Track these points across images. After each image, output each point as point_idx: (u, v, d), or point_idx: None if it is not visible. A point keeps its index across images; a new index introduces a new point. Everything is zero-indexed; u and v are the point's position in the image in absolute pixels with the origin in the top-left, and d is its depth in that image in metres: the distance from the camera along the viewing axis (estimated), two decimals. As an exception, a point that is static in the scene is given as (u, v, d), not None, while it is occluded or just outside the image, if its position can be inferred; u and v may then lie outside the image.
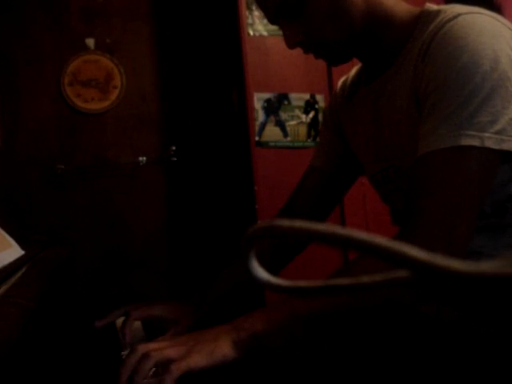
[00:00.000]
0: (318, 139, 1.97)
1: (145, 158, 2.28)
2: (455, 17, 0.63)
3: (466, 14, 0.63)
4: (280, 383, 0.66)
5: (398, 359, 0.70)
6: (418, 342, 0.71)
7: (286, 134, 1.95)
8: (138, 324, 0.85)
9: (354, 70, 0.92)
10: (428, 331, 0.70)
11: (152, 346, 0.60)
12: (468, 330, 0.62)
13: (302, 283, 0.20)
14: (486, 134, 0.59)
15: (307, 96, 1.98)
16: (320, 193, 0.94)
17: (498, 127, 0.59)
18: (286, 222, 0.19)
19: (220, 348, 0.59)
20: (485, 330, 0.58)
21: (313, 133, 1.98)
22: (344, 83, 0.93)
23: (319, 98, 1.98)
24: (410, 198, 0.64)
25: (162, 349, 0.58)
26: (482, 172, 0.61)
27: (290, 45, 0.73)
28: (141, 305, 0.84)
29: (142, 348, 0.59)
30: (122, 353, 0.73)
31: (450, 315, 0.66)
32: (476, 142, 0.59)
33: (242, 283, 0.90)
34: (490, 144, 0.59)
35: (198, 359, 0.57)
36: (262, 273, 0.21)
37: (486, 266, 0.15)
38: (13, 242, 0.82)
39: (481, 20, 0.63)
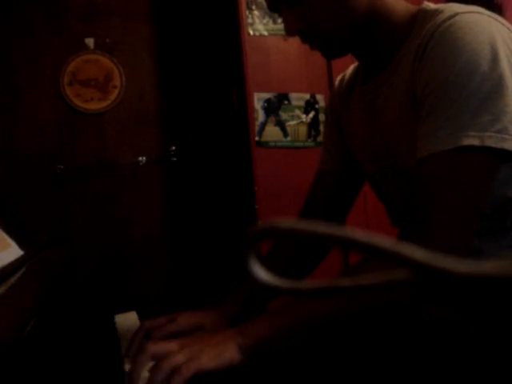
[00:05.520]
0: (318, 139, 1.97)
1: (145, 158, 2.28)
2: (452, 16, 0.63)
3: (463, 13, 0.63)
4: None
5: (399, 360, 0.70)
6: (419, 342, 0.71)
7: (286, 134, 1.95)
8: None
9: (350, 69, 0.91)
10: (428, 332, 0.70)
11: (160, 351, 0.61)
12: (468, 330, 0.62)
13: (303, 284, 0.20)
14: (487, 134, 0.58)
15: (307, 96, 1.97)
16: (334, 195, 0.93)
17: (499, 126, 0.58)
18: (286, 223, 0.19)
19: (227, 352, 0.60)
20: (485, 331, 0.58)
21: (313, 133, 1.97)
22: (341, 81, 0.92)
23: (319, 97, 1.98)
24: (412, 201, 0.63)
25: (170, 356, 0.60)
26: (483, 172, 0.60)
27: (290, 32, 0.72)
28: (159, 321, 0.78)
29: (153, 349, 0.61)
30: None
31: (450, 316, 0.66)
32: (476, 142, 0.58)
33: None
34: (490, 143, 0.58)
35: (207, 361, 0.59)
36: (262, 273, 0.21)
37: (486, 267, 0.15)
38: (12, 242, 0.82)
39: (478, 19, 0.62)
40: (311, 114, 1.97)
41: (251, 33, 1.92)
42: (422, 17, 0.69)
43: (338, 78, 0.94)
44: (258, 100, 1.92)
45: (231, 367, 0.60)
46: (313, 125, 1.97)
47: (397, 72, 0.71)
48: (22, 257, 0.79)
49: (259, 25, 1.93)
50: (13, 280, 0.63)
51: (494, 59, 0.59)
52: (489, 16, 0.64)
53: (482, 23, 0.62)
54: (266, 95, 1.93)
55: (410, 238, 0.62)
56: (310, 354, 0.66)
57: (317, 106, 1.98)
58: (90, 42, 2.27)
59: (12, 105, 2.19)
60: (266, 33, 1.93)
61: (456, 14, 0.63)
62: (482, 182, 0.61)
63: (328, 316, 0.62)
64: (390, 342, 0.72)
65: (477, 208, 0.61)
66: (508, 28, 0.64)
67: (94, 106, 2.26)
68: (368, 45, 0.75)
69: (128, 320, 0.90)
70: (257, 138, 1.91)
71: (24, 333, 0.47)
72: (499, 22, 0.64)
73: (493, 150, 0.59)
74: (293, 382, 0.66)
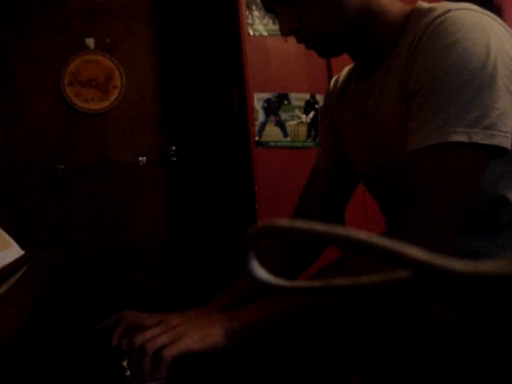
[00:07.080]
0: (318, 139, 1.97)
1: (145, 158, 2.28)
2: (445, 12, 0.63)
3: (455, 9, 0.63)
4: (273, 375, 0.66)
5: (398, 359, 0.70)
6: (418, 342, 0.71)
7: (286, 134, 1.95)
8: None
9: (345, 70, 0.92)
10: (427, 332, 0.70)
11: (147, 335, 0.63)
12: (467, 330, 0.62)
13: (303, 283, 0.20)
14: (474, 130, 0.58)
15: (307, 96, 1.97)
16: (329, 193, 0.93)
17: (487, 122, 0.59)
18: (285, 222, 0.19)
19: (212, 335, 0.61)
20: (484, 331, 0.58)
21: (313, 133, 1.98)
22: (336, 82, 0.93)
23: (319, 98, 1.98)
24: (398, 195, 0.64)
25: (155, 337, 0.61)
26: (470, 168, 0.61)
27: (285, 32, 0.73)
28: (138, 314, 0.80)
29: (138, 341, 0.62)
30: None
31: (449, 316, 0.66)
32: (463, 138, 0.59)
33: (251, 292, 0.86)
34: (478, 139, 0.58)
35: (189, 343, 0.60)
36: (261, 273, 0.21)
37: (486, 266, 0.15)
38: (13, 242, 0.82)
39: (471, 15, 0.63)
40: (311, 114, 1.98)
41: (251, 33, 1.92)
42: (415, 16, 0.70)
43: (333, 79, 0.95)
44: (258, 100, 1.92)
45: (215, 350, 0.61)
46: (313, 125, 1.97)
47: (390, 70, 0.72)
48: (22, 257, 0.79)
49: (259, 25, 1.93)
50: (14, 280, 0.63)
51: (486, 55, 0.60)
52: (481, 12, 0.64)
53: (474, 19, 0.62)
54: (266, 95, 1.93)
55: (394, 231, 0.62)
56: (299, 342, 0.67)
57: (317, 106, 1.98)
58: (90, 42, 2.27)
59: (12, 105, 2.19)
60: (265, 33, 1.93)
61: (448, 11, 0.63)
62: (468, 178, 0.61)
63: (321, 305, 0.63)
64: (387, 340, 0.72)
65: (462, 203, 0.61)
66: (501, 24, 0.65)
67: (94, 106, 2.26)
68: (362, 44, 0.75)
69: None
70: (257, 138, 1.91)
71: (25, 332, 0.47)
72: (491, 18, 0.64)
73: (481, 146, 0.59)
74: (279, 370, 0.66)
